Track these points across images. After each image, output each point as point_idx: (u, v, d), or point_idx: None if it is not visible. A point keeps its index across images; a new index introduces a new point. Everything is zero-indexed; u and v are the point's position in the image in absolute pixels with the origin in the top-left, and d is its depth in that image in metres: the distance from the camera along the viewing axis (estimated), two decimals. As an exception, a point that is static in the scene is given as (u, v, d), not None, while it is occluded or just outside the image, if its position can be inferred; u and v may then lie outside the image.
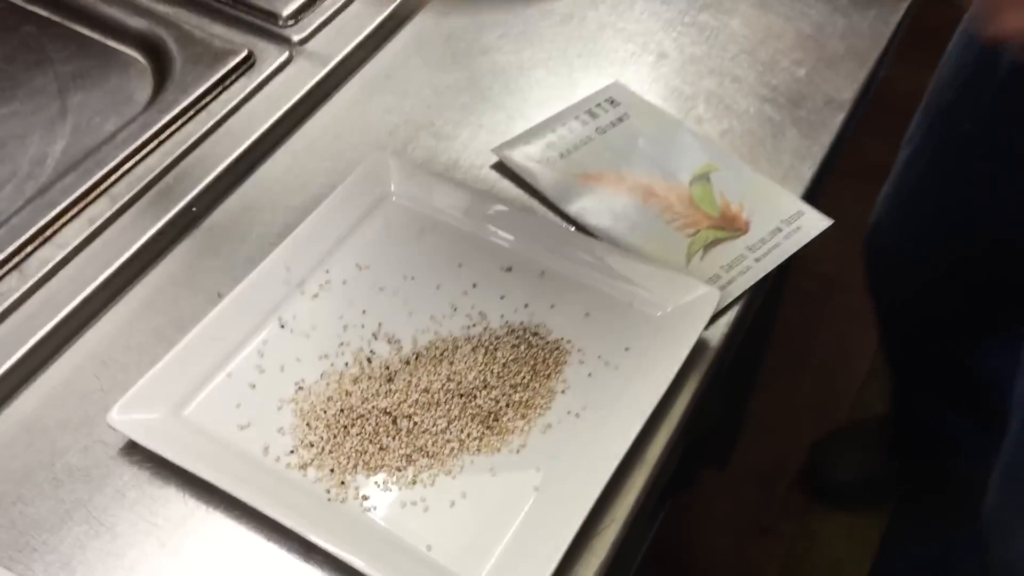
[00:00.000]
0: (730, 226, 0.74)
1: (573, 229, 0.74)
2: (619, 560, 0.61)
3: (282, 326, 0.68)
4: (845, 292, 1.81)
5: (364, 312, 0.69)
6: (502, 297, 0.69)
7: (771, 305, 1.21)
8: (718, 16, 0.89)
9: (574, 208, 0.75)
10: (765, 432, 1.61)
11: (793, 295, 1.46)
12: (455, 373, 0.63)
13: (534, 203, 0.76)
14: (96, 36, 0.85)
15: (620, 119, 0.81)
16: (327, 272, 0.71)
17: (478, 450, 0.62)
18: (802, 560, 1.53)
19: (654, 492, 0.64)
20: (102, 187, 0.74)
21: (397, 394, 0.63)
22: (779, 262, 0.71)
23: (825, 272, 1.83)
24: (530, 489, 0.60)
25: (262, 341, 0.67)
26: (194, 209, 0.74)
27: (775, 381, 1.61)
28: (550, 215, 0.75)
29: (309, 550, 0.58)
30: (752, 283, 0.70)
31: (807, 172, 0.78)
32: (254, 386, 0.65)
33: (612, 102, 0.82)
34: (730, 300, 0.69)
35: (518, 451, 0.62)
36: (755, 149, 0.80)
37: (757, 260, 0.71)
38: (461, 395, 0.63)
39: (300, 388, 0.65)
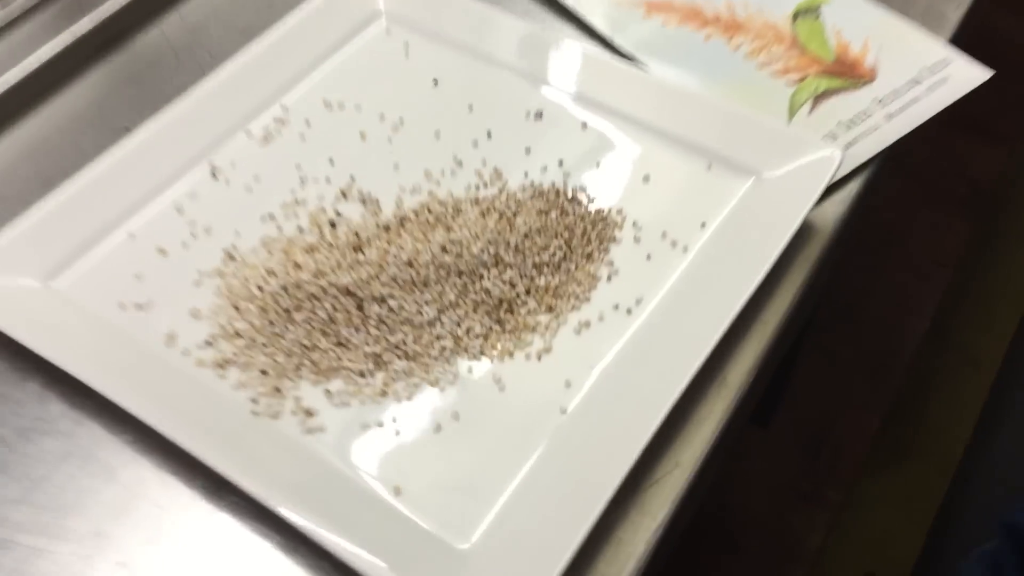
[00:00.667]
0: (850, 73, 0.53)
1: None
2: (677, 523, 0.41)
3: (214, 175, 0.48)
4: (906, 243, 1.63)
5: (332, 163, 0.49)
6: (527, 151, 0.49)
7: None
8: None
9: (633, 43, 0.54)
10: (811, 391, 1.44)
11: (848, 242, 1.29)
12: (453, 243, 0.43)
13: (579, 37, 0.56)
14: None
15: (697, -62, 0.60)
16: (284, 109, 0.51)
17: (481, 352, 0.42)
18: (848, 531, 1.37)
19: (734, 428, 0.43)
20: (-10, -12, 0.54)
21: (367, 268, 0.43)
22: (920, 121, 0.51)
23: (885, 219, 1.64)
24: (554, 412, 0.40)
25: (184, 193, 0.48)
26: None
27: (824, 335, 1.43)
28: (600, 51, 0.54)
29: (220, 487, 0.39)
30: (884, 146, 0.50)
31: (953, 13, 0.57)
32: (165, 252, 0.45)
33: (687, -82, 0.61)
34: (854, 166, 0.49)
35: (540, 357, 0.42)
36: (880, -17, 0.58)
37: (889, 117, 0.51)
38: (460, 273, 0.43)
39: (231, 258, 0.45)
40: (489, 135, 0.50)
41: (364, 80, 0.52)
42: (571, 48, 0.52)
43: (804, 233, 0.47)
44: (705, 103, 0.49)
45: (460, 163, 0.49)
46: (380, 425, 0.40)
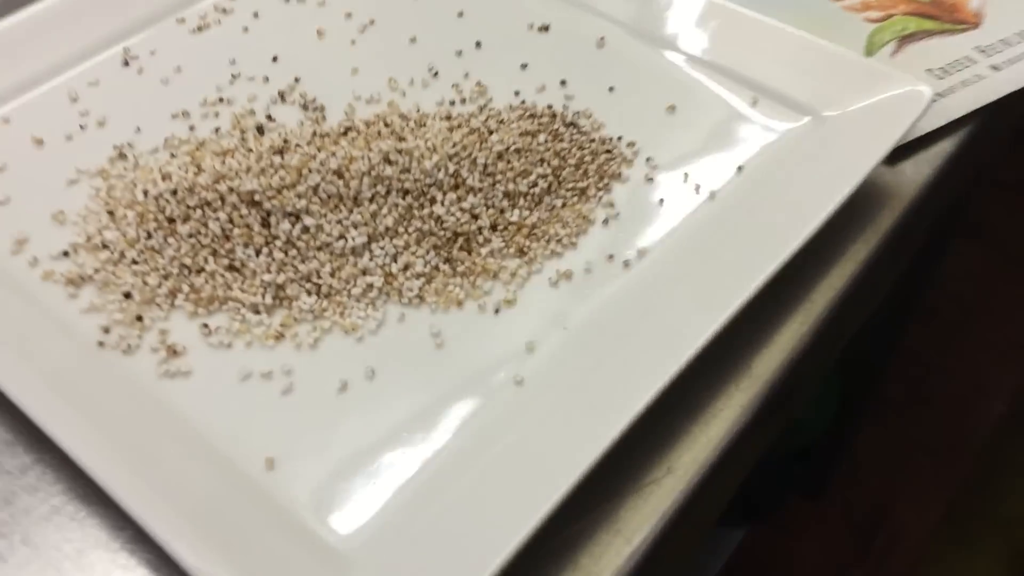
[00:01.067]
0: (948, 16, 0.42)
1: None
2: (661, 550, 0.29)
3: (126, 62, 0.38)
4: (984, 319, 1.50)
5: (274, 60, 0.39)
6: (523, 67, 0.39)
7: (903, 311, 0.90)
8: None
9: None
10: (871, 469, 1.32)
11: (922, 316, 1.17)
12: (402, 152, 0.33)
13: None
14: None
15: None
16: (232, -2, 0.41)
17: (419, 297, 0.31)
18: (896, 633, 1.22)
19: (754, 436, 0.32)
20: None
21: (282, 173, 0.32)
22: (1036, 76, 0.39)
23: (962, 293, 1.51)
24: (505, 381, 0.29)
25: (84, 78, 0.38)
26: None
27: (890, 412, 1.32)
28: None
29: (39, 440, 0.28)
30: (989, 101, 0.38)
31: (1082, -37, 0.45)
32: (42, 142, 0.35)
33: None
34: (946, 121, 0.37)
35: (497, 310, 0.31)
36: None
37: (996, 68, 0.39)
38: (405, 193, 0.32)
39: (122, 156, 0.35)
40: (478, 45, 0.39)
41: (336, -24, 0.42)
42: (594, -47, 0.41)
43: (874, 195, 0.35)
44: (754, 23, 0.38)
45: (436, 73, 0.38)
46: (267, 376, 0.29)
